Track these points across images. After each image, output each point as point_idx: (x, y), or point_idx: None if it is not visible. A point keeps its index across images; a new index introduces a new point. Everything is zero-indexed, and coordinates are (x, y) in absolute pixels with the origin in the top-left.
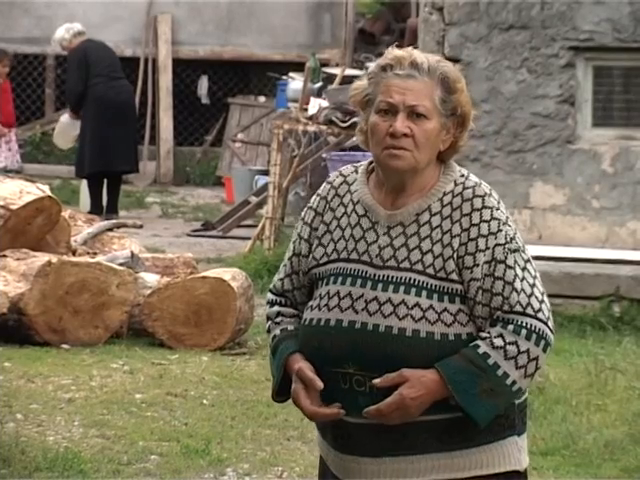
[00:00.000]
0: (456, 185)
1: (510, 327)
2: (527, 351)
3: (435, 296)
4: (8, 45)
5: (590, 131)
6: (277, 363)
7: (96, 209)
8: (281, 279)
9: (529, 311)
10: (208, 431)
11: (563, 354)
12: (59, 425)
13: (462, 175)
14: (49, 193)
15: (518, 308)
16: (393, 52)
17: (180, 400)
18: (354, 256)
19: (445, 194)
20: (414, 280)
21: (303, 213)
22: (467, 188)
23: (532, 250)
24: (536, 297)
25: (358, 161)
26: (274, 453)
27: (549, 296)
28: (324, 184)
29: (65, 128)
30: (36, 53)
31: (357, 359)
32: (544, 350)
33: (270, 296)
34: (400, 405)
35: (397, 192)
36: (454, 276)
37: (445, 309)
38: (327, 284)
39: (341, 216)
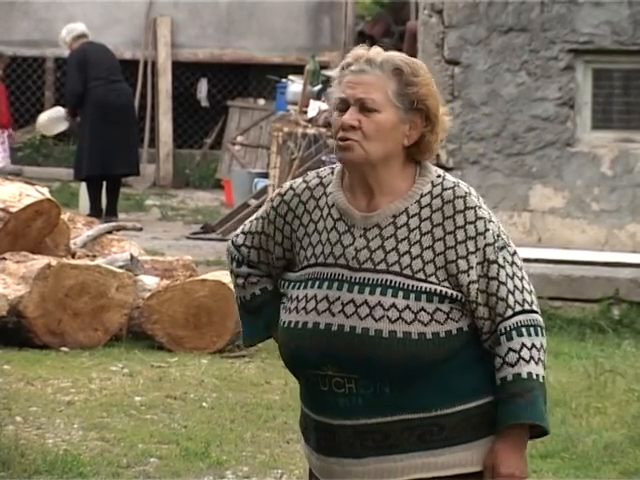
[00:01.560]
0: (434, 186)
1: (523, 330)
2: (541, 346)
3: (412, 296)
4: (7, 48)
5: (589, 134)
6: (263, 323)
7: (95, 212)
8: (248, 248)
9: (527, 307)
10: (207, 434)
11: (562, 357)
12: (58, 428)
13: (438, 175)
14: (48, 196)
15: (518, 308)
16: (354, 51)
17: (179, 403)
18: (330, 260)
19: (422, 196)
20: (390, 281)
21: (274, 196)
22: (446, 189)
23: (531, 253)
24: (526, 289)
25: None
26: (273, 456)
27: (549, 299)
28: (300, 180)
29: (56, 120)
30: (35, 56)
31: (335, 361)
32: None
33: (233, 251)
34: None
35: (368, 193)
36: (433, 279)
37: (422, 308)
38: (305, 287)
39: (318, 220)
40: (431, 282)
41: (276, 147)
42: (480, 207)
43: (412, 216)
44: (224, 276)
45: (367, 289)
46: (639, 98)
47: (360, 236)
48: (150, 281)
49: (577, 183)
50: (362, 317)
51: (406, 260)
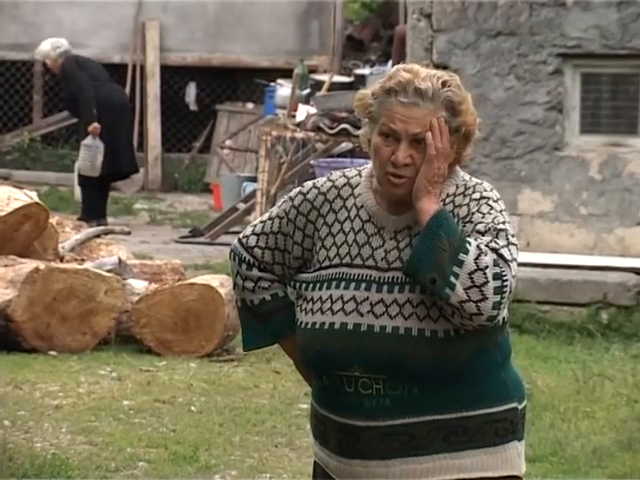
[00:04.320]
0: (458, 187)
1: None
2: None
3: None
4: None
5: (578, 138)
6: (271, 330)
7: (97, 215)
8: (262, 249)
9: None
10: (196, 438)
11: (551, 361)
12: (47, 432)
13: (463, 178)
14: (37, 200)
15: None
16: (397, 75)
17: (168, 407)
18: (358, 261)
19: (448, 196)
20: None
21: (294, 194)
22: (469, 187)
23: (520, 257)
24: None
25: (345, 167)
26: (262, 460)
27: (537, 303)
28: (325, 180)
29: (90, 154)
30: (24, 60)
31: (363, 362)
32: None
33: (242, 252)
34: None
35: (402, 201)
36: None
37: None
38: (328, 288)
39: (344, 220)
40: None
41: (265, 151)
42: (495, 201)
43: None
44: (212, 280)
45: (396, 287)
46: (627, 102)
47: (390, 238)
48: (139, 285)
49: (565, 187)
50: (392, 316)
51: None
